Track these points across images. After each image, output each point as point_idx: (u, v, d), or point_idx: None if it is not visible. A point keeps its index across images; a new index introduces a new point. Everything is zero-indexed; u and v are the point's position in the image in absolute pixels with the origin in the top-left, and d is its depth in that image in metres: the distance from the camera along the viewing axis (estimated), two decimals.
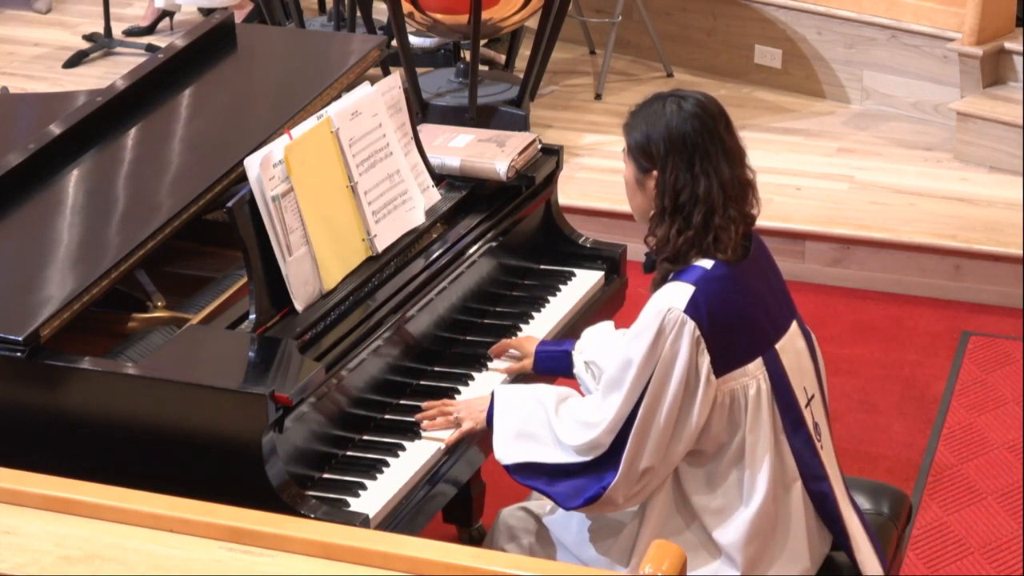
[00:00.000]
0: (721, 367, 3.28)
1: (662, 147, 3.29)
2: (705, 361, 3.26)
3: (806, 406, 3.39)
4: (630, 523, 3.43)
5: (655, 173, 3.31)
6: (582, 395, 3.59)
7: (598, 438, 3.32)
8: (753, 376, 3.32)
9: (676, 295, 3.26)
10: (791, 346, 3.40)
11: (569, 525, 3.52)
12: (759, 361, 3.33)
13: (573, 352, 3.70)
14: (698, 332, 3.25)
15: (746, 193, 3.34)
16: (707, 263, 3.30)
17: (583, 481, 3.35)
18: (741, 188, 3.33)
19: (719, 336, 3.27)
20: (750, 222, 3.37)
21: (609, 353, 3.60)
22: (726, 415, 3.32)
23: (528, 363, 3.77)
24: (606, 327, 3.75)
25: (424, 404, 3.61)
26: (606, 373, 3.37)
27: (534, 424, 3.42)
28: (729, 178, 3.30)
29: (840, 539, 3.44)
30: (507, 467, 3.44)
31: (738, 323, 3.30)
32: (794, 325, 3.43)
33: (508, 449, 3.43)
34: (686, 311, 3.24)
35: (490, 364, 3.81)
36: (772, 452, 3.33)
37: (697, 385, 3.27)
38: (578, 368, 3.69)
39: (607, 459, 3.32)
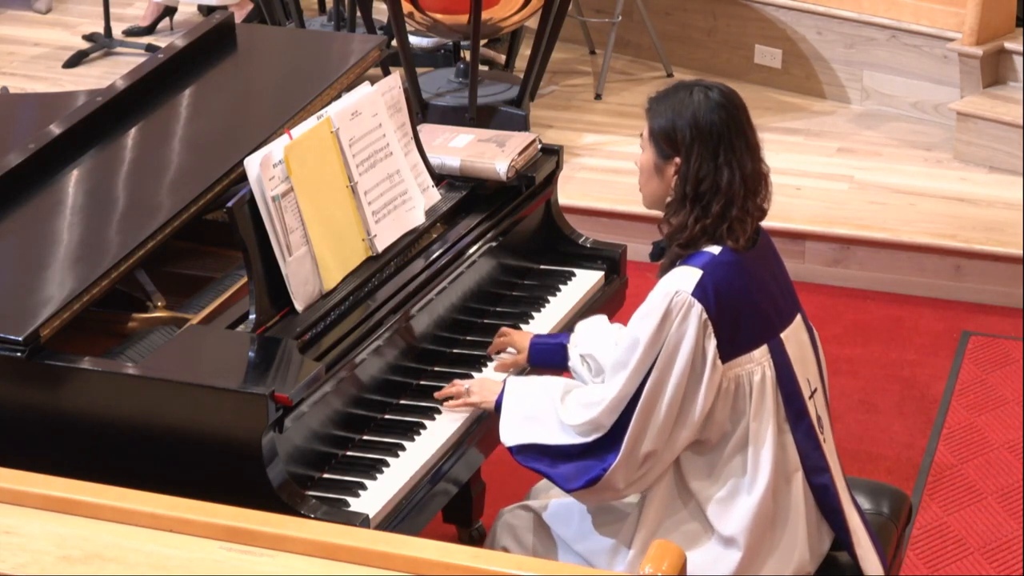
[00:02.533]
0: (727, 352, 3.29)
1: (688, 135, 3.30)
2: (712, 345, 3.27)
3: (809, 398, 3.40)
4: (631, 513, 3.43)
5: (677, 160, 3.32)
6: None
7: (598, 418, 3.33)
8: (758, 363, 3.33)
9: (684, 278, 3.27)
10: (795, 337, 3.41)
11: (570, 520, 3.52)
12: (764, 348, 3.34)
13: (568, 345, 3.71)
14: (705, 315, 3.26)
15: (761, 186, 3.36)
16: (715, 249, 3.31)
17: (584, 463, 3.36)
18: (758, 182, 3.35)
19: (726, 320, 3.28)
20: (761, 215, 3.38)
21: (607, 345, 3.61)
22: (730, 402, 3.32)
23: (523, 358, 3.77)
24: (600, 320, 3.76)
25: (438, 393, 3.63)
26: (612, 355, 3.37)
27: (539, 408, 3.43)
28: (750, 171, 3.32)
29: (841, 533, 3.45)
30: (511, 448, 3.45)
31: (745, 308, 3.31)
32: (798, 318, 3.44)
33: (512, 431, 3.44)
34: (694, 294, 3.25)
35: (490, 364, 3.81)
36: (775, 441, 3.33)
37: (703, 369, 3.28)
38: (573, 361, 3.69)
39: (608, 441, 3.33)
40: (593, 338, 3.68)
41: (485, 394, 3.56)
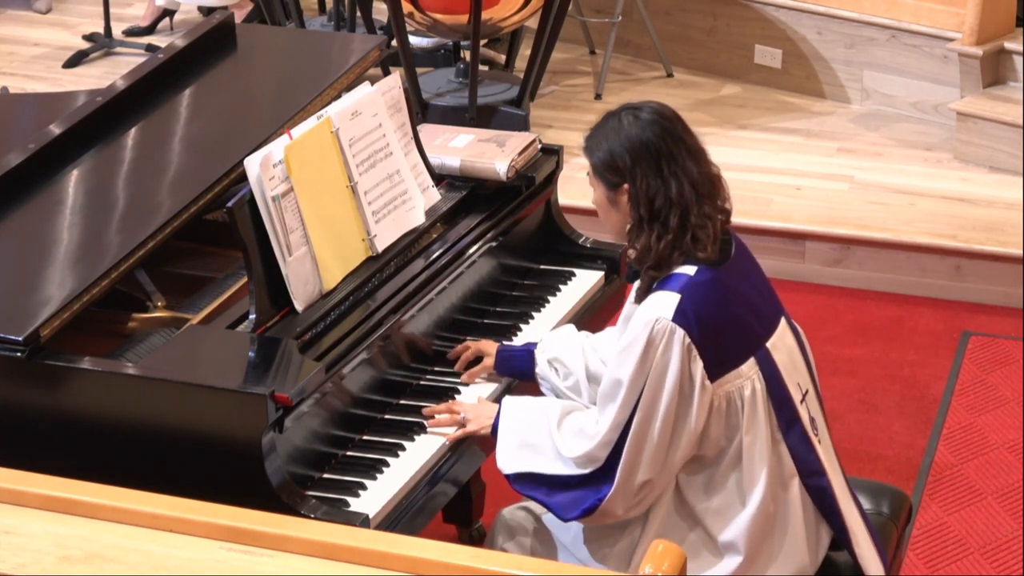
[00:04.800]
0: (715, 371, 3.28)
1: (627, 158, 3.31)
2: (699, 367, 3.26)
3: (801, 402, 3.39)
4: (631, 525, 3.43)
5: (626, 186, 3.33)
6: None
7: (593, 451, 3.33)
8: (747, 377, 3.32)
9: (663, 305, 3.26)
10: (782, 343, 3.40)
11: (569, 526, 3.52)
12: (752, 361, 3.33)
13: (535, 352, 3.70)
14: (688, 340, 3.24)
15: (716, 188, 3.36)
16: (690, 269, 3.29)
17: (580, 493, 3.36)
18: (711, 184, 3.35)
19: (710, 340, 3.26)
20: (726, 217, 3.37)
21: (576, 349, 3.59)
22: (723, 419, 3.31)
23: (490, 362, 3.76)
24: (567, 328, 3.75)
25: (428, 410, 3.61)
26: (600, 387, 3.37)
27: (536, 435, 3.42)
28: (698, 176, 3.32)
29: (840, 534, 3.44)
30: (507, 476, 3.44)
31: (727, 326, 3.30)
32: (783, 322, 3.43)
33: (509, 459, 3.44)
34: (674, 320, 3.24)
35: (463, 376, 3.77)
36: (769, 451, 3.33)
37: (692, 392, 3.26)
38: (540, 368, 3.68)
39: (603, 472, 3.33)
40: (561, 343, 3.66)
41: (482, 420, 3.54)
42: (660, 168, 3.30)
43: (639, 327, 3.27)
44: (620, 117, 3.36)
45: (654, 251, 3.30)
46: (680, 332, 3.24)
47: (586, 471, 3.35)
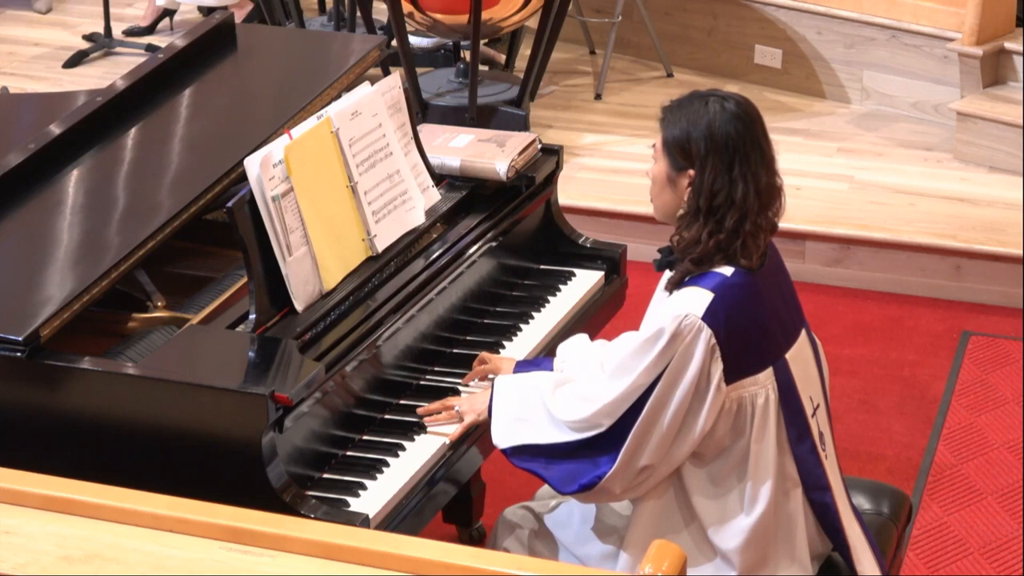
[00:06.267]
0: (733, 375, 3.26)
1: (703, 146, 3.24)
2: (718, 369, 3.24)
3: (812, 416, 3.37)
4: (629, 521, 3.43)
5: (691, 172, 3.27)
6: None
7: (593, 416, 3.31)
8: (763, 386, 3.30)
9: (694, 301, 3.24)
10: (800, 356, 3.38)
11: (570, 525, 3.52)
12: (769, 371, 3.31)
13: (554, 373, 3.66)
14: (714, 340, 3.22)
15: (774, 200, 3.32)
16: (727, 270, 3.27)
17: (579, 466, 3.34)
18: (772, 195, 3.31)
19: (733, 344, 3.24)
20: (773, 230, 3.34)
21: (595, 371, 3.56)
22: (731, 420, 3.30)
23: None
24: (581, 340, 3.71)
25: (422, 410, 3.61)
26: (616, 358, 3.33)
27: (530, 408, 3.41)
28: (764, 185, 3.27)
29: (842, 551, 3.43)
30: (504, 451, 3.43)
31: (753, 332, 3.28)
32: (803, 333, 3.41)
33: (504, 433, 3.42)
34: (704, 318, 3.22)
35: (471, 385, 3.76)
36: (775, 463, 3.31)
37: (707, 391, 3.25)
38: None
39: (604, 446, 3.31)
40: (578, 363, 3.61)
41: (477, 407, 3.53)
42: (732, 166, 3.24)
43: (668, 318, 3.25)
44: (708, 101, 3.27)
45: (702, 245, 3.26)
46: (707, 331, 3.22)
47: (582, 436, 3.33)
